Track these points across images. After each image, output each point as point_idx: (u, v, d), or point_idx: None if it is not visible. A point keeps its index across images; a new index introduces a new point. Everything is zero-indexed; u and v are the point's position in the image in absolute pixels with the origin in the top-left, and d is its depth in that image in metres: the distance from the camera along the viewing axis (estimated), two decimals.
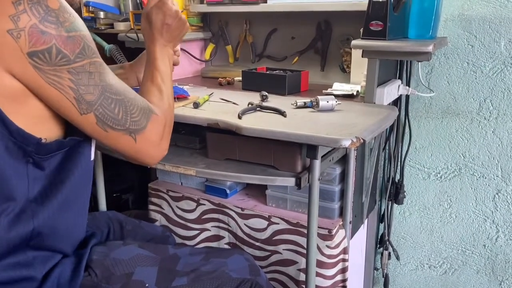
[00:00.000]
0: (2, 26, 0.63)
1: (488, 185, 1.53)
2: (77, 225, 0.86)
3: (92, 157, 0.84)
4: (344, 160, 1.23)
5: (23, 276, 0.77)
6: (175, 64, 1.05)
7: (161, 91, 0.88)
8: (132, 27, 1.58)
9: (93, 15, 1.69)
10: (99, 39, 1.70)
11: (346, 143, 0.90)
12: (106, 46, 1.68)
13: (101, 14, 1.69)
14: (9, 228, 0.73)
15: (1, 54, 0.64)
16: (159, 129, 0.82)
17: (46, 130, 0.73)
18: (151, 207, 1.52)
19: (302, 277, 1.28)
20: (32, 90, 0.68)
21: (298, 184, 1.02)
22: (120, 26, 1.67)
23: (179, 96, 1.21)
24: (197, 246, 1.43)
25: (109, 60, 1.68)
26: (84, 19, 1.68)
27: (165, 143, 0.84)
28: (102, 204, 1.50)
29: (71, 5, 0.85)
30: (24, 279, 0.77)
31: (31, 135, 0.70)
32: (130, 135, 0.77)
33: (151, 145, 0.81)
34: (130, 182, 1.94)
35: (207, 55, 1.84)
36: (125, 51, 1.66)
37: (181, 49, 1.67)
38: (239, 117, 1.06)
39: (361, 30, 1.21)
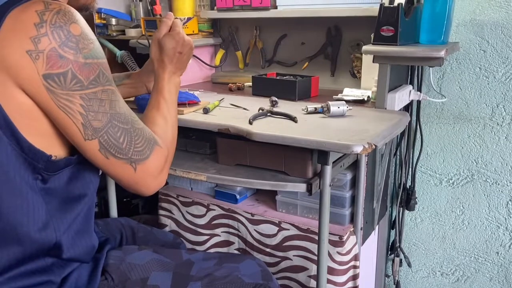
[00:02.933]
0: (22, 46, 0.64)
1: (501, 192, 1.51)
2: (91, 235, 0.87)
3: (100, 171, 0.84)
4: (355, 166, 1.22)
5: (42, 281, 0.78)
6: None
7: (166, 121, 0.88)
8: (143, 33, 1.59)
9: (105, 21, 1.71)
10: (110, 46, 1.72)
11: (358, 149, 0.90)
12: (118, 52, 1.69)
13: (113, 21, 1.71)
14: (33, 241, 0.74)
15: (17, 72, 0.65)
16: (161, 161, 0.81)
17: (56, 148, 0.74)
18: (161, 212, 1.52)
19: (312, 283, 1.27)
20: (42, 110, 0.69)
21: (309, 190, 1.02)
22: (132, 33, 1.69)
23: (190, 102, 1.22)
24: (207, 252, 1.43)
25: (121, 66, 1.69)
26: (96, 26, 1.71)
27: (164, 175, 0.83)
28: (113, 209, 1.51)
29: (87, 10, 0.86)
30: (43, 283, 0.78)
31: (42, 152, 0.71)
32: (131, 165, 0.76)
33: (150, 176, 0.79)
34: None
35: (217, 61, 1.85)
36: (136, 57, 1.68)
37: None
38: (250, 123, 1.06)
39: (372, 36, 1.20)
